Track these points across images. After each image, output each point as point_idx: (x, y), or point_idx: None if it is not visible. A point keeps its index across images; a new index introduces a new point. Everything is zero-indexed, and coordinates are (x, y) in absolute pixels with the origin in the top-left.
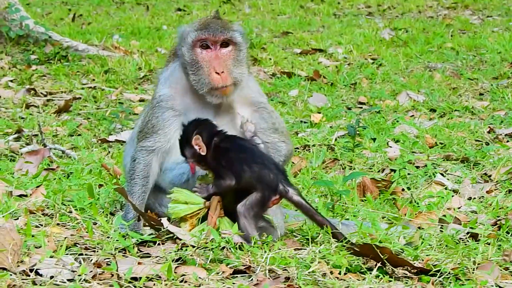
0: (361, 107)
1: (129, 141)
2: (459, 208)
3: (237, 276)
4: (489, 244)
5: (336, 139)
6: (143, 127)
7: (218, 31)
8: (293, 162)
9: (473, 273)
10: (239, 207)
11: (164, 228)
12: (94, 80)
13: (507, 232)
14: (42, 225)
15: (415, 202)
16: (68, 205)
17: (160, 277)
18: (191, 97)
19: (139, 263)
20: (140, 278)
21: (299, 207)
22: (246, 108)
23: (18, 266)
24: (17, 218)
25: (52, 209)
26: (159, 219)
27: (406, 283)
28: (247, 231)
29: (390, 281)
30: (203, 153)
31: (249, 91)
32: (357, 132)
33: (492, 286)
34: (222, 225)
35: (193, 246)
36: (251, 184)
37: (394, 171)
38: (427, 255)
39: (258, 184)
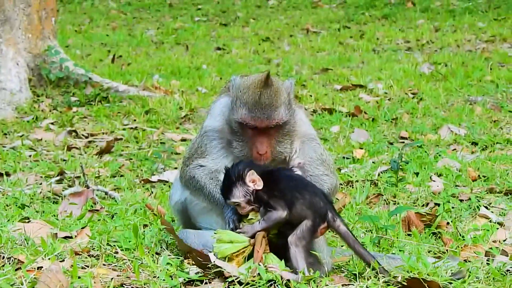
0: (403, 142)
1: (175, 182)
2: (504, 240)
3: None
4: None
5: (379, 174)
6: (191, 153)
7: (264, 118)
8: (337, 198)
9: None
10: (290, 238)
11: (211, 264)
12: (135, 120)
13: None
14: (88, 266)
15: (460, 235)
16: (114, 245)
17: None
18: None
19: None
20: None
21: (345, 237)
22: (297, 139)
23: None
24: (63, 260)
25: (97, 250)
26: (206, 255)
27: None
28: (297, 262)
29: None
30: (259, 188)
31: (300, 122)
32: (400, 167)
33: None
34: (268, 261)
35: (240, 284)
36: (302, 213)
37: (438, 205)
38: None
39: (309, 210)
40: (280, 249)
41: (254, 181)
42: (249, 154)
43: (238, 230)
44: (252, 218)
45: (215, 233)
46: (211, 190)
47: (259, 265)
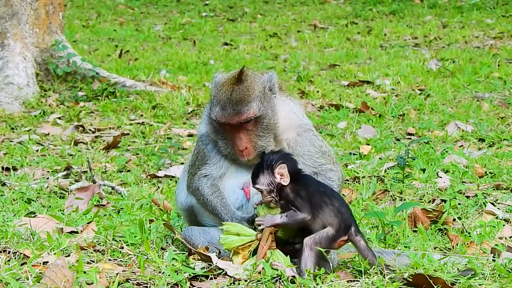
0: (410, 138)
1: (181, 178)
2: (510, 237)
3: None
4: None
5: (385, 171)
6: (194, 161)
7: (233, 114)
8: (343, 194)
9: None
10: (307, 240)
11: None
12: (142, 115)
13: None
14: (93, 261)
15: (466, 232)
16: (120, 241)
17: None
18: None
19: None
20: None
21: (364, 254)
22: (291, 132)
23: None
24: (69, 255)
25: (103, 245)
26: (208, 254)
27: None
28: (306, 264)
29: None
30: (285, 183)
31: (290, 114)
32: (407, 163)
33: None
34: (274, 257)
35: (246, 280)
36: (328, 219)
37: (445, 201)
38: (480, 285)
39: (336, 219)
40: (287, 246)
41: (282, 175)
42: (232, 151)
43: (258, 218)
44: (274, 207)
45: (223, 224)
46: (216, 206)
47: (264, 262)
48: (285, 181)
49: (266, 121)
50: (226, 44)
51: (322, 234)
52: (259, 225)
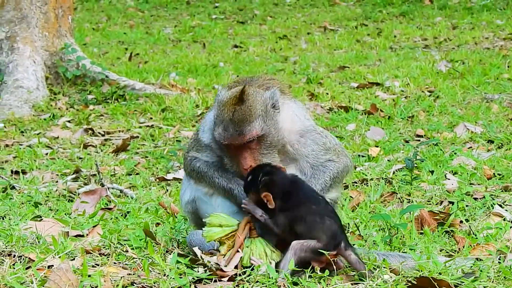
0: (419, 140)
1: (183, 182)
2: None
3: None
4: None
5: (394, 173)
6: (191, 146)
7: (236, 135)
8: (351, 197)
9: None
10: (294, 243)
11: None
12: (151, 118)
13: None
14: (98, 265)
15: (473, 234)
16: (125, 244)
17: None
18: None
19: None
20: None
21: (356, 267)
22: (293, 135)
23: None
24: (74, 259)
25: (108, 249)
26: (193, 248)
27: None
28: (285, 266)
29: None
30: (271, 207)
31: (294, 118)
32: (415, 165)
33: None
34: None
35: (249, 283)
36: (316, 235)
37: (452, 203)
38: (485, 287)
39: (324, 235)
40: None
41: (266, 198)
42: (237, 169)
43: (242, 204)
44: None
45: (210, 215)
46: (211, 176)
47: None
48: (270, 204)
49: (269, 139)
50: (236, 46)
51: (310, 244)
52: (245, 205)
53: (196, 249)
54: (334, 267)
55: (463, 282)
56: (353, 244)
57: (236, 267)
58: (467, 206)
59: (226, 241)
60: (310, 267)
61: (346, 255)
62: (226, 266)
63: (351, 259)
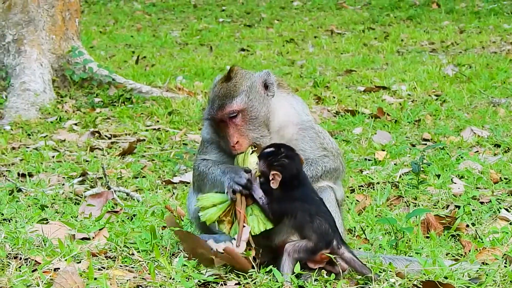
0: (425, 144)
1: (190, 192)
2: None
3: None
4: None
5: (400, 176)
6: (199, 150)
7: (217, 109)
8: (357, 200)
9: None
10: (288, 246)
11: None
12: (158, 121)
13: None
14: (104, 268)
15: (479, 238)
16: (131, 247)
17: None
18: None
19: None
20: None
21: (350, 264)
22: (291, 128)
23: None
24: (80, 261)
25: (114, 252)
26: (205, 240)
27: None
28: (283, 269)
29: None
30: (273, 186)
31: (291, 111)
32: (422, 169)
33: None
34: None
35: (255, 286)
36: (305, 234)
37: (459, 207)
38: None
39: (314, 235)
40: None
41: (274, 177)
42: (229, 149)
43: (246, 177)
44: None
45: (197, 200)
46: (213, 172)
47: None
48: (274, 183)
49: (253, 114)
50: (242, 49)
51: (302, 244)
52: (249, 181)
53: (210, 242)
54: (336, 266)
55: (469, 287)
56: (359, 248)
57: (248, 243)
58: (473, 210)
59: (224, 218)
60: (316, 270)
61: (339, 253)
62: (238, 246)
63: (346, 257)
